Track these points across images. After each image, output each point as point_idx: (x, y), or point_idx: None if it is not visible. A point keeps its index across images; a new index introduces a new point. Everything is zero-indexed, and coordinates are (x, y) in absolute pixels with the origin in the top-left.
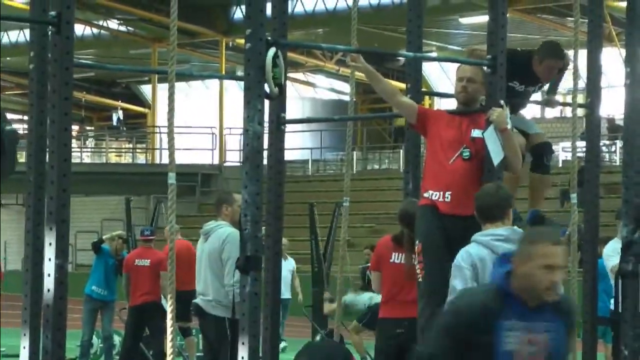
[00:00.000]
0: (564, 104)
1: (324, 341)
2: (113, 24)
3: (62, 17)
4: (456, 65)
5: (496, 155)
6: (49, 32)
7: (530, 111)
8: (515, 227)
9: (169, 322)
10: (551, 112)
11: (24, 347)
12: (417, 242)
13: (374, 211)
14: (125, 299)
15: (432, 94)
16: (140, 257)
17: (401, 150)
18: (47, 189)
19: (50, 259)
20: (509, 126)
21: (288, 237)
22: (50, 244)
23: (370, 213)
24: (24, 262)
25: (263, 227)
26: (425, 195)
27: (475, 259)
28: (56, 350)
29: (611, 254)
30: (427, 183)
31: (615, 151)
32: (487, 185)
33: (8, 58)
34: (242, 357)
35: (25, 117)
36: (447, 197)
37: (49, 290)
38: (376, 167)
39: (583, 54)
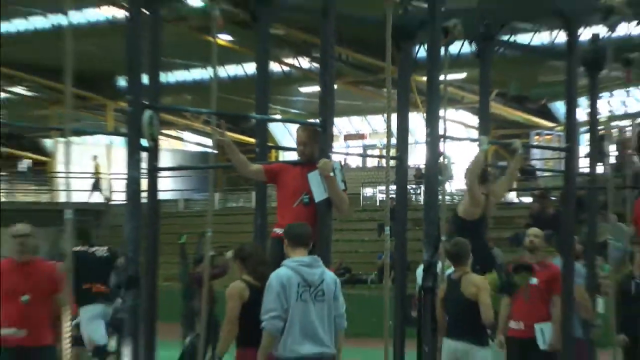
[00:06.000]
0: (380, 157)
1: None
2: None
3: None
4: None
5: (317, 194)
6: None
7: (355, 161)
8: (316, 256)
9: None
10: (371, 162)
11: None
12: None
13: (231, 240)
14: None
15: (277, 147)
16: None
17: (253, 192)
18: None
19: None
20: (331, 174)
21: (162, 261)
22: None
23: (229, 242)
24: None
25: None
26: (276, 230)
27: (284, 279)
28: None
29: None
30: (278, 221)
31: (419, 193)
32: (295, 223)
33: None
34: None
35: None
36: None
37: None
38: (234, 205)
39: (394, 117)
